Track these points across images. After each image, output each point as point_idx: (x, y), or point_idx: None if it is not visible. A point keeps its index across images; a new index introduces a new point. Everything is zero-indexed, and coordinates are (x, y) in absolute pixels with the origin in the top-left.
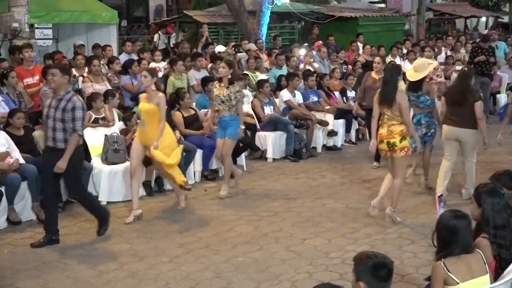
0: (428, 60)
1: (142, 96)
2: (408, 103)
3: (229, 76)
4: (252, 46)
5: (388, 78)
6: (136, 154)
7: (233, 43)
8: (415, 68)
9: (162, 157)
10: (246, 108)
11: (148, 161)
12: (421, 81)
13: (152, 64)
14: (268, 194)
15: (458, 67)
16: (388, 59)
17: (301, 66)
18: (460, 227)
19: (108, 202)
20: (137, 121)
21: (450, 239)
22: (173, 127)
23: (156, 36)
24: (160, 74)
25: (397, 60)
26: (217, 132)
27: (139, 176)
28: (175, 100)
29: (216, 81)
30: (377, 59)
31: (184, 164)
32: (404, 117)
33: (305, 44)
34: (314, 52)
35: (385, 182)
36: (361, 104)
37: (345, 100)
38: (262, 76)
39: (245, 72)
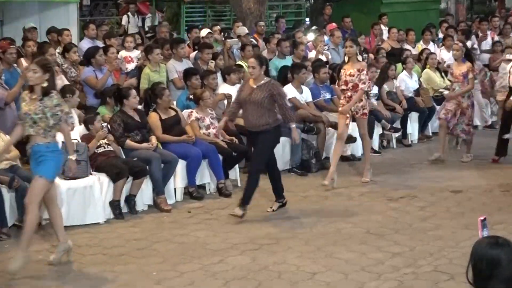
0: None
1: None
2: None
3: (45, 84)
4: (243, 30)
5: None
6: None
7: (219, 26)
8: None
9: None
10: None
11: (118, 176)
12: None
13: (123, 53)
14: (268, 216)
15: (509, 56)
16: (420, 45)
17: (311, 55)
18: (502, 258)
19: (66, 227)
20: (103, 124)
21: (491, 273)
22: (147, 131)
23: (124, 18)
24: (132, 65)
25: (431, 47)
26: (31, 166)
27: None
28: (150, 98)
29: (26, 91)
30: (251, 60)
31: (162, 179)
32: None
33: (314, 27)
34: (326, 38)
35: None
36: (232, 120)
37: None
38: None
39: (239, 62)
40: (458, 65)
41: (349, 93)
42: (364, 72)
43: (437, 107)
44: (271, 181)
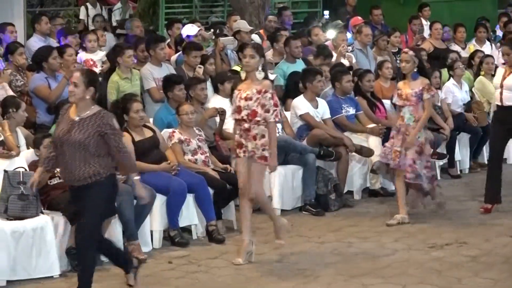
0: None
1: None
2: None
3: None
4: (244, 24)
5: None
6: None
7: (208, 21)
8: None
9: None
10: None
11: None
12: None
13: (83, 55)
14: (273, 268)
15: None
16: (472, 46)
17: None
18: None
19: (8, 282)
20: None
21: None
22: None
23: (82, 10)
24: (96, 71)
25: (487, 48)
26: None
27: None
28: (121, 113)
29: None
30: (75, 75)
31: (135, 219)
32: None
33: (338, 22)
34: (349, 35)
35: None
36: (50, 171)
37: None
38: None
39: (235, 68)
40: (407, 82)
41: (246, 125)
42: (268, 94)
43: None
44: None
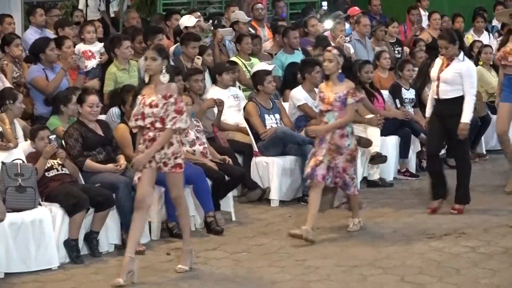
0: None
1: None
2: None
3: None
4: (242, 15)
5: None
6: None
7: (205, 12)
8: None
9: None
10: (237, 117)
11: (75, 207)
12: None
13: (81, 46)
14: (272, 260)
15: None
16: (470, 36)
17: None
18: None
19: (6, 275)
20: (52, 138)
21: None
22: (113, 149)
23: (81, 1)
24: (93, 63)
25: (484, 38)
26: None
27: None
28: (119, 104)
29: None
30: None
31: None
32: None
33: (338, 12)
34: (347, 26)
35: None
36: None
37: (398, 105)
38: (262, 66)
39: (233, 59)
40: (332, 85)
41: (151, 134)
42: (172, 99)
43: (493, 117)
44: None
